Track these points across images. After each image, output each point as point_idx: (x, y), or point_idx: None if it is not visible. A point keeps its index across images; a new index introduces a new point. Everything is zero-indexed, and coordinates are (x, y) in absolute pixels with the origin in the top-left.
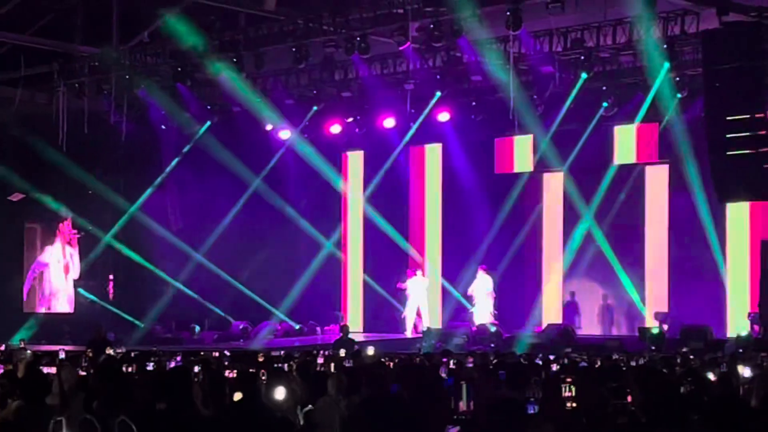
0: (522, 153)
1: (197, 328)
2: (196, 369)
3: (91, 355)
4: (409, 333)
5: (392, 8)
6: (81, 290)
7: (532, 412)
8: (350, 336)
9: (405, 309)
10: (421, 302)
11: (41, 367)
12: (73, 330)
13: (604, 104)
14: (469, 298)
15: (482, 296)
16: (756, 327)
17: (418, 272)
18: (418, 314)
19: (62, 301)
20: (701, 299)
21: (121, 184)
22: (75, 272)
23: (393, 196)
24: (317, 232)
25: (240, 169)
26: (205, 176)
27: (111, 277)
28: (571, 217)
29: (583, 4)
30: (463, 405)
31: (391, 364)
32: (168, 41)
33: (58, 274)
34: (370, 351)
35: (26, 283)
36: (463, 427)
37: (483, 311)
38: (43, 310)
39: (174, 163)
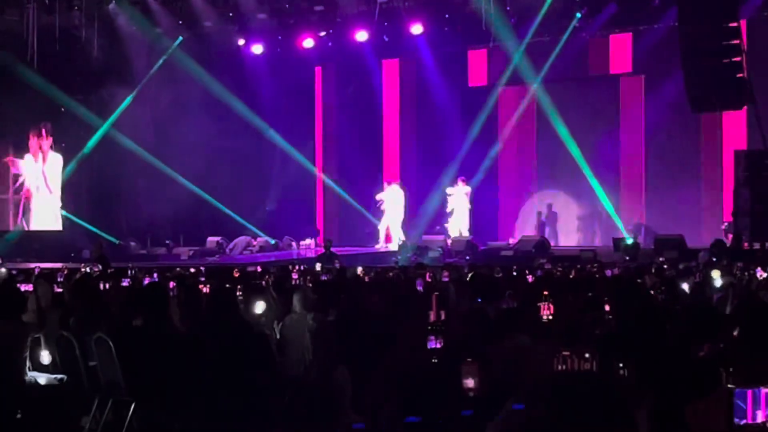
0: (495, 65)
1: (172, 244)
2: (172, 285)
3: (98, 271)
4: (381, 244)
5: None
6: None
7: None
8: (332, 250)
9: (381, 221)
10: (397, 213)
11: (17, 285)
12: (45, 247)
13: (577, 15)
14: (446, 211)
15: (459, 208)
16: (730, 236)
17: (394, 184)
18: (390, 226)
19: (37, 218)
20: (676, 209)
21: (94, 100)
22: (48, 190)
23: (367, 110)
24: (291, 146)
25: (212, 85)
26: (177, 92)
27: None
28: (545, 130)
29: None
30: (435, 315)
31: (367, 278)
32: None
33: (33, 190)
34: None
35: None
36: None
37: (459, 224)
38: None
39: (146, 79)
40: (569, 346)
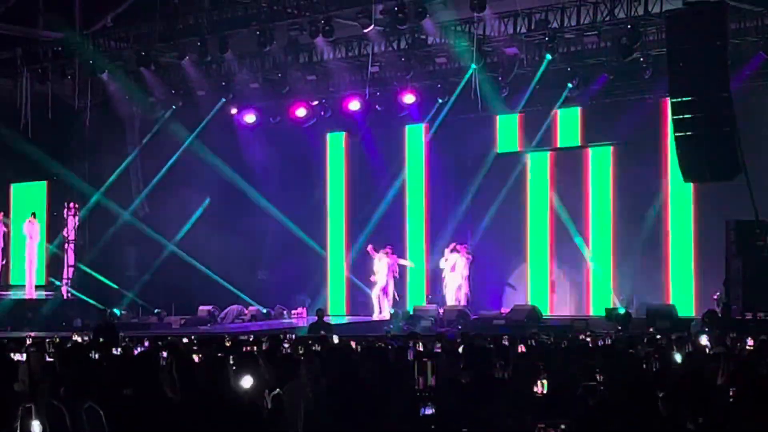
0: (488, 135)
1: (164, 313)
2: (164, 354)
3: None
4: (376, 315)
5: None
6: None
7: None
8: (325, 319)
9: (373, 290)
10: (388, 281)
11: (8, 354)
12: (37, 316)
13: (569, 85)
14: (440, 279)
15: (452, 277)
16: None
17: (382, 252)
18: (381, 294)
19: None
20: (667, 279)
21: (86, 169)
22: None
23: (360, 177)
24: (283, 214)
25: (205, 153)
26: (170, 160)
27: (72, 263)
28: (537, 198)
29: None
30: (425, 382)
31: (359, 347)
32: (131, 25)
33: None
34: (336, 339)
35: None
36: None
37: (452, 292)
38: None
39: (139, 148)
40: (545, 419)
